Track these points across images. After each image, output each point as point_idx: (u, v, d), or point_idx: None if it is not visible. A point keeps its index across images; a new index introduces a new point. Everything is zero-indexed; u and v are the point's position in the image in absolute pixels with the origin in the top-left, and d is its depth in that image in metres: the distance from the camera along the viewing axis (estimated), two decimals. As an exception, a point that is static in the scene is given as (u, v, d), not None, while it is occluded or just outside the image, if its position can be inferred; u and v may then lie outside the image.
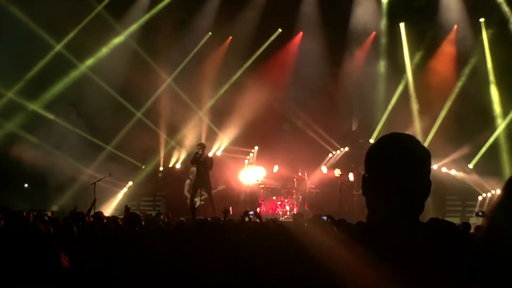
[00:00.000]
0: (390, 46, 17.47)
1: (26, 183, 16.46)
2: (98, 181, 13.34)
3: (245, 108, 16.67)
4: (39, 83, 15.80)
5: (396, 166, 1.75)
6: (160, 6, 16.98)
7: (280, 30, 18.04)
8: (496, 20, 16.67)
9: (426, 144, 12.25)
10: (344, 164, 16.94)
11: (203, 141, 15.68)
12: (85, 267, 4.23)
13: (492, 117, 16.70)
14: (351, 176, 16.22)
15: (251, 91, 16.52)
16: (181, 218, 10.54)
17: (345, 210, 14.56)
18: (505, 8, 16.41)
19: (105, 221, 8.40)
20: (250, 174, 16.51)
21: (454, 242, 1.78)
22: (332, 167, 16.97)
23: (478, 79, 16.64)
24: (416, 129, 16.94)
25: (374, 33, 17.53)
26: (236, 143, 17.38)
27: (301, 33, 17.85)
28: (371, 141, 16.62)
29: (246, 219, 8.69)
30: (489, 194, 15.97)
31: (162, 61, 16.94)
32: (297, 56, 17.70)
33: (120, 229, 7.32)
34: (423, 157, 1.80)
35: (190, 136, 17.12)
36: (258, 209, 14.65)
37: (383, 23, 17.36)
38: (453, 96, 16.77)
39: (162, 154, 17.34)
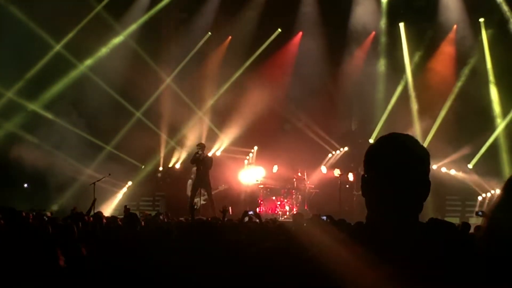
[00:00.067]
0: (389, 46, 17.48)
1: (26, 183, 16.46)
2: (97, 181, 13.35)
3: (244, 108, 16.68)
4: (39, 83, 15.81)
5: (395, 166, 1.75)
6: (160, 6, 16.98)
7: (279, 30, 18.03)
8: (496, 20, 16.68)
9: (425, 144, 12.22)
10: (343, 164, 16.94)
11: (203, 141, 15.68)
12: (85, 267, 4.24)
13: (492, 117, 16.71)
14: (350, 176, 16.22)
15: (251, 91, 16.52)
16: (181, 218, 10.56)
17: (345, 210, 14.56)
18: (505, 8, 16.42)
19: (104, 221, 8.40)
20: (250, 174, 16.50)
21: (454, 242, 1.78)
22: (332, 167, 16.96)
23: (477, 79, 16.65)
24: (415, 129, 16.94)
25: (373, 33, 17.53)
26: (235, 143, 17.38)
27: (300, 33, 17.84)
28: (371, 141, 16.61)
29: (246, 219, 8.68)
30: (489, 194, 15.97)
31: (162, 61, 16.95)
32: (297, 56, 17.70)
33: (120, 229, 7.32)
34: (422, 157, 1.80)
35: (190, 136, 17.12)
36: (257, 209, 14.64)
37: (383, 23, 17.36)
38: (452, 96, 16.78)
39: (162, 154, 17.34)
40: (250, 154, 17.62)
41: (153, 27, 16.91)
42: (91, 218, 8.50)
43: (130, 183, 17.09)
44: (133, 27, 16.88)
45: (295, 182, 16.14)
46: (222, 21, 17.08)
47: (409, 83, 17.46)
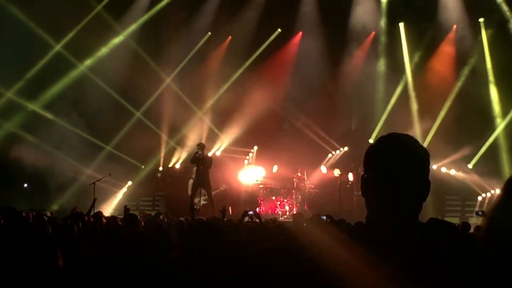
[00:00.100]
0: (389, 46, 17.46)
1: (26, 183, 16.46)
2: (97, 181, 13.35)
3: (244, 108, 16.68)
4: (39, 83, 15.80)
5: (395, 166, 1.75)
6: (160, 6, 16.98)
7: (279, 30, 18.03)
8: (496, 20, 16.67)
9: (425, 144, 12.22)
10: (343, 164, 16.93)
11: (203, 141, 15.68)
12: (85, 267, 4.24)
13: (492, 117, 16.71)
14: (350, 176, 16.21)
15: (251, 91, 16.52)
16: (181, 218, 10.54)
17: (345, 210, 14.55)
18: (505, 8, 16.42)
19: (104, 221, 8.40)
20: (250, 174, 16.50)
21: (454, 242, 1.78)
22: (332, 167, 16.97)
23: (477, 79, 16.64)
24: (415, 129, 16.94)
25: (373, 33, 17.52)
26: (235, 143, 17.38)
27: (300, 33, 17.84)
28: (371, 141, 16.61)
29: (246, 219, 8.68)
30: (488, 194, 15.97)
31: (162, 61, 16.95)
32: (297, 56, 17.69)
33: (120, 229, 7.32)
34: (422, 157, 1.80)
35: (190, 136, 17.12)
36: (257, 209, 14.64)
37: (383, 23, 17.36)
38: (452, 96, 16.78)
39: (162, 154, 17.34)
40: (250, 154, 17.62)
41: (153, 27, 16.89)
42: (91, 218, 8.49)
43: (130, 183, 17.09)
44: (133, 27, 16.89)
45: (295, 182, 16.13)
46: (222, 21, 17.07)
47: (409, 83, 17.46)
